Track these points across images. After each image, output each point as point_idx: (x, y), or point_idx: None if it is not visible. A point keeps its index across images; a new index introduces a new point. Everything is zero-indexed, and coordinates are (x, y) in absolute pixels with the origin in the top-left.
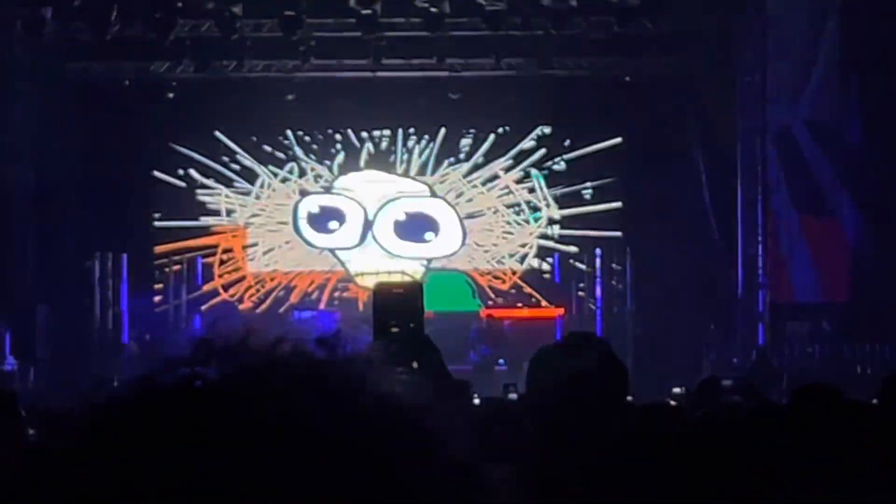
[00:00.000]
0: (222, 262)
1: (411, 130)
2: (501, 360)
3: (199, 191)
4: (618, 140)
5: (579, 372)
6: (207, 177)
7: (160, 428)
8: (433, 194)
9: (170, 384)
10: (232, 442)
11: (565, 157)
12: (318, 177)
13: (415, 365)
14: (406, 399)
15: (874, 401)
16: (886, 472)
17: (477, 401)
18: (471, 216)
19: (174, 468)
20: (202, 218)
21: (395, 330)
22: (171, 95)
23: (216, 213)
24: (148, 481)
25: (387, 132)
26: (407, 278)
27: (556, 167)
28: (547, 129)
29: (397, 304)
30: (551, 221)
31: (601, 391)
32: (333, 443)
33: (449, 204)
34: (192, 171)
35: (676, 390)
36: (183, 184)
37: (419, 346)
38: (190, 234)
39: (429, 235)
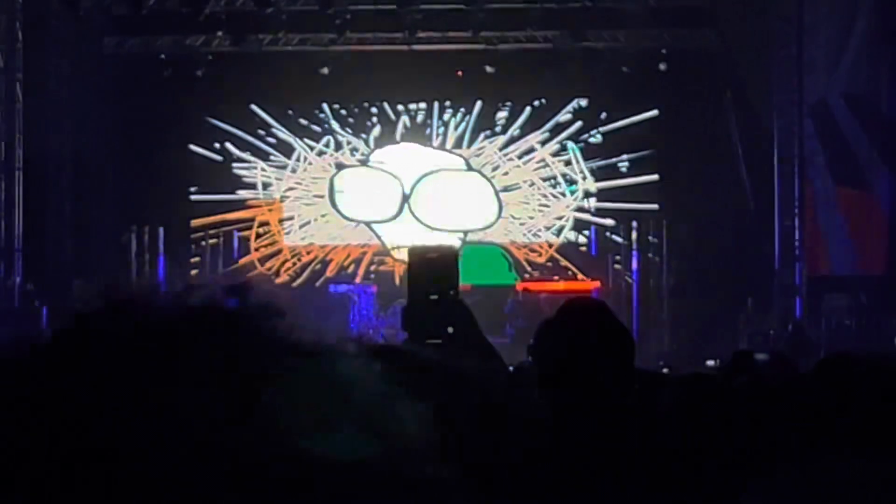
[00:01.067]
0: (258, 236)
1: (447, 103)
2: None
3: (235, 164)
4: (654, 112)
5: (580, 340)
6: (243, 150)
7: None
8: (469, 167)
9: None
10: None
11: (602, 129)
12: (354, 150)
13: (450, 330)
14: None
15: None
16: None
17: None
18: (507, 189)
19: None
20: (238, 192)
21: (433, 297)
22: (199, 73)
23: (252, 186)
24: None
25: (423, 105)
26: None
27: (592, 140)
28: (583, 102)
29: (432, 271)
30: (587, 194)
31: (603, 358)
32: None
33: (485, 177)
34: (228, 145)
35: (710, 363)
36: (219, 157)
37: (454, 311)
38: (226, 207)
39: (465, 208)
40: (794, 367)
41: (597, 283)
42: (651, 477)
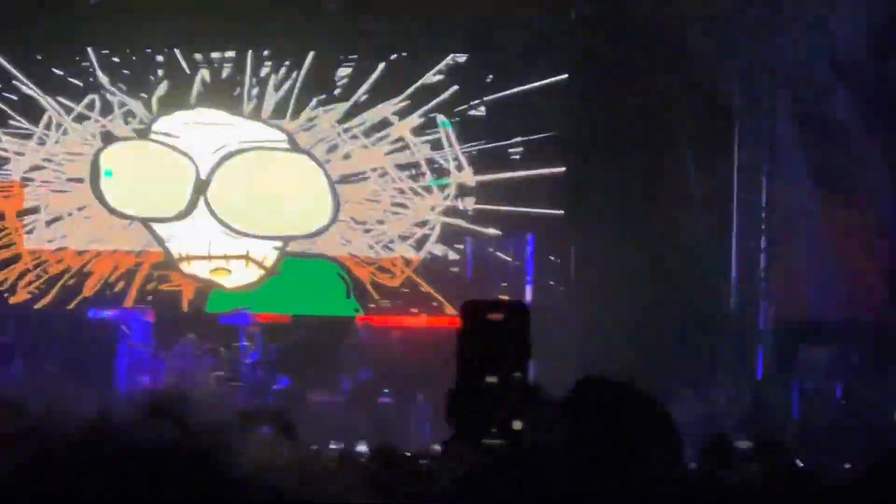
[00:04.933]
0: None
1: (266, 53)
2: (387, 390)
3: None
4: (562, 77)
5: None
6: None
7: None
8: (293, 146)
9: None
10: None
11: (487, 98)
12: (129, 115)
13: (517, 426)
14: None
15: None
16: None
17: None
18: (347, 179)
19: None
20: None
21: (491, 380)
22: None
23: None
24: None
25: (230, 54)
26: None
27: (473, 113)
28: (461, 58)
29: (495, 338)
30: (463, 191)
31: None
32: None
33: (316, 161)
34: None
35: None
36: None
37: (525, 397)
38: None
39: (286, 204)
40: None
41: None
42: None
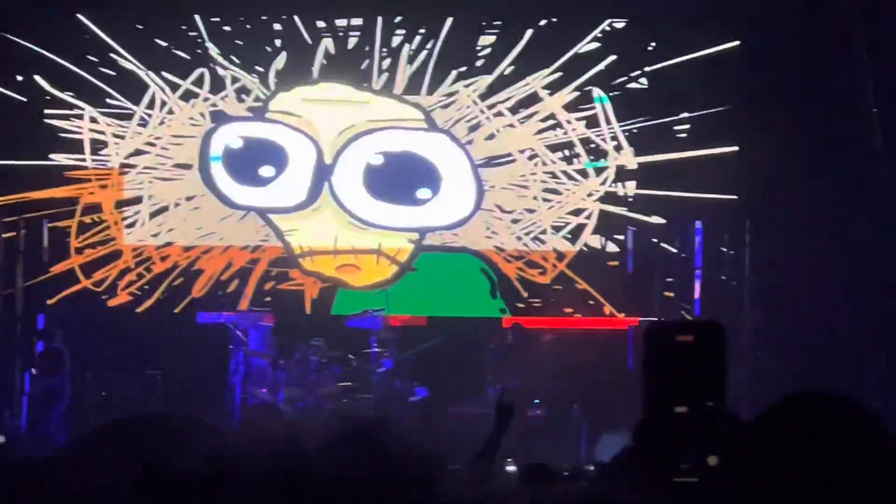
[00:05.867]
0: (84, 229)
1: (398, 20)
2: (537, 401)
3: (46, 110)
4: (735, 43)
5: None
6: (61, 86)
7: None
8: (430, 125)
9: None
10: None
11: (649, 69)
12: (243, 92)
13: (712, 461)
14: None
15: None
16: None
17: None
18: (491, 162)
19: None
20: (52, 155)
21: (680, 410)
22: None
23: (76, 147)
24: None
25: (357, 21)
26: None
27: (633, 86)
28: (619, 24)
29: (685, 363)
30: (623, 175)
31: None
32: None
33: (456, 141)
34: (38, 78)
35: None
36: (20, 97)
37: (720, 430)
38: (30, 180)
39: (422, 192)
40: None
41: (634, 321)
42: None
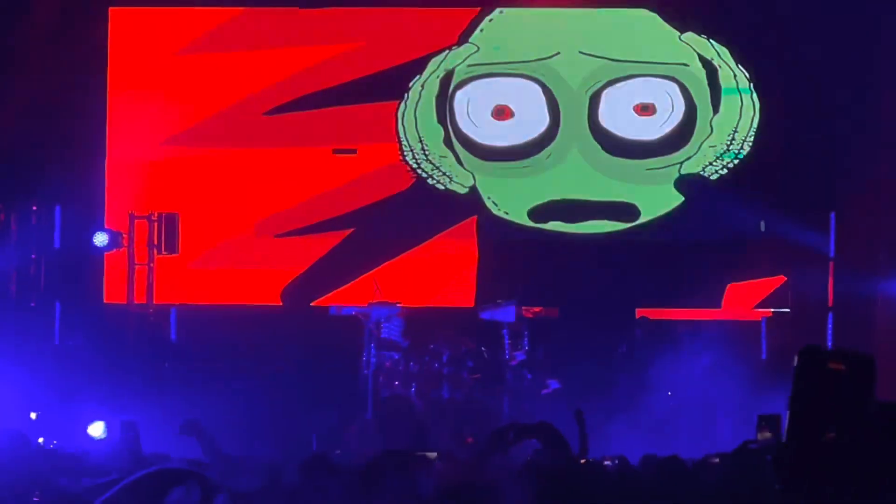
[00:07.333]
0: None
1: None
2: (670, 393)
3: None
4: None
5: None
6: None
7: None
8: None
9: None
10: None
11: None
12: None
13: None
14: None
15: None
16: None
17: None
18: None
19: None
20: None
21: (830, 436)
22: None
23: None
24: None
25: None
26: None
27: None
28: None
29: (832, 392)
30: None
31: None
32: None
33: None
34: None
35: None
36: None
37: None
38: None
39: None
40: None
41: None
42: None
